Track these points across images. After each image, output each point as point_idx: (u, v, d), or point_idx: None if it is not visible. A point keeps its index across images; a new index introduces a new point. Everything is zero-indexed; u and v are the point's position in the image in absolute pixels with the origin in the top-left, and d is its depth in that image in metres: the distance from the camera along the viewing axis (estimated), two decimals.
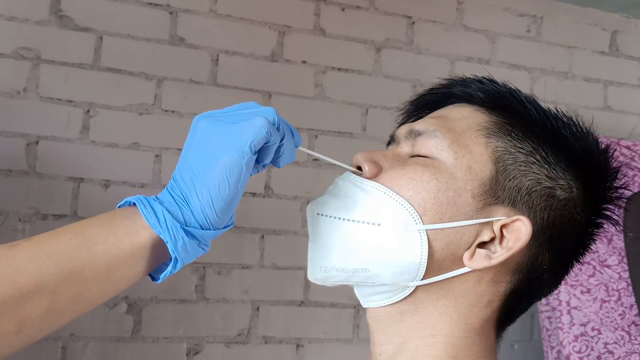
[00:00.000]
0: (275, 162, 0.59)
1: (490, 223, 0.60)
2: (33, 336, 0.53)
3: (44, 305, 0.52)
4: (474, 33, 2.08)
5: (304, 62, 1.89)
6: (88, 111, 1.68)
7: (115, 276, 0.54)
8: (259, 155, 0.56)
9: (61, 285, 0.52)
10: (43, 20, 1.66)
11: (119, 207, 0.58)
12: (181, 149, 0.56)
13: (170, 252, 0.55)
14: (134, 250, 0.54)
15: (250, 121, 0.55)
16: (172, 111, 1.75)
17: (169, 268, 0.56)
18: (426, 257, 0.59)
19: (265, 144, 0.55)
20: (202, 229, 0.55)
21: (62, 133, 1.66)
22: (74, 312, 0.54)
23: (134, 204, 0.56)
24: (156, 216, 0.54)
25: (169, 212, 0.55)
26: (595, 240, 0.66)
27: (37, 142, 1.64)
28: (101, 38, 1.70)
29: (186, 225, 0.55)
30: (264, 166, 0.59)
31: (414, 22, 2.01)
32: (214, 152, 0.54)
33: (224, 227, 0.57)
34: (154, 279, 0.59)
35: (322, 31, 1.91)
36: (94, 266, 0.53)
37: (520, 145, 0.62)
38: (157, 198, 0.56)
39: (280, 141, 0.57)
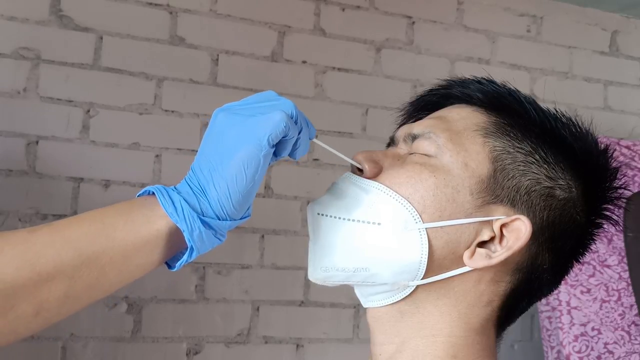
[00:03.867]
0: (291, 154, 0.59)
1: (490, 222, 0.61)
2: (50, 319, 0.54)
3: (61, 290, 0.53)
4: (474, 33, 2.08)
5: (304, 62, 1.89)
6: (88, 111, 1.68)
7: (132, 263, 0.55)
8: (277, 148, 0.57)
9: (79, 270, 0.53)
10: (43, 20, 1.66)
11: (138, 196, 0.58)
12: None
13: (187, 241, 0.55)
14: (151, 238, 0.55)
15: (270, 114, 0.55)
16: (172, 111, 1.75)
17: (185, 257, 0.57)
18: (426, 256, 0.59)
19: (283, 137, 0.56)
20: (219, 219, 0.56)
21: (62, 133, 1.66)
22: (91, 297, 0.55)
23: (153, 193, 0.57)
24: (174, 205, 0.55)
25: (186, 201, 0.55)
26: (595, 240, 0.66)
27: (37, 142, 1.64)
28: (101, 38, 1.70)
29: (203, 215, 0.55)
30: (277, 157, 0.59)
31: (414, 22, 2.01)
32: (232, 144, 0.55)
33: (240, 218, 0.58)
34: (170, 267, 0.60)
35: (322, 31, 1.91)
36: (112, 253, 0.54)
37: (519, 145, 0.62)
38: (175, 188, 0.57)
39: (298, 134, 0.58)
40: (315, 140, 0.62)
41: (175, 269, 0.59)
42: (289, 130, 0.55)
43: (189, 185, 0.57)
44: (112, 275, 0.55)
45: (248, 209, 0.58)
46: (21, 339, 0.54)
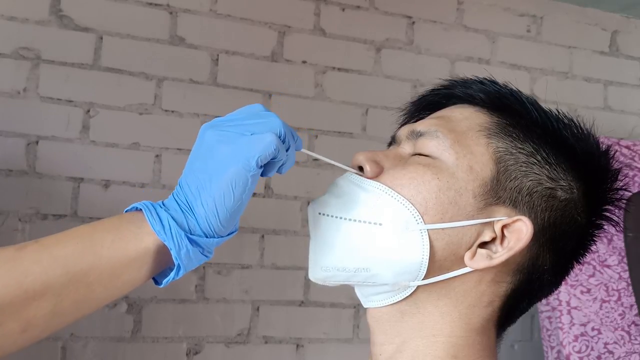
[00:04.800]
0: (279, 170, 0.59)
1: (491, 223, 0.61)
2: (37, 336, 0.54)
3: (49, 307, 0.53)
4: (474, 33, 2.08)
5: (304, 62, 1.89)
6: (88, 111, 1.68)
7: (120, 280, 0.56)
8: (264, 168, 0.57)
9: (66, 288, 0.53)
10: (43, 20, 1.66)
11: (125, 212, 0.58)
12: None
13: (174, 260, 0.56)
14: (138, 255, 0.55)
15: (260, 136, 0.55)
16: (172, 111, 1.75)
17: (172, 274, 0.57)
18: (427, 257, 0.59)
19: (272, 159, 0.56)
20: (206, 237, 0.56)
21: (62, 133, 1.66)
22: (78, 313, 0.55)
23: (141, 209, 0.57)
24: (161, 223, 0.55)
25: (174, 219, 0.55)
26: (596, 241, 0.66)
27: (37, 142, 1.64)
28: (101, 38, 1.70)
29: (190, 234, 0.56)
30: (264, 176, 0.59)
31: (414, 22, 2.01)
32: (221, 163, 0.55)
33: (227, 235, 0.58)
34: (157, 282, 0.60)
35: (322, 31, 1.91)
36: (99, 270, 0.54)
37: (521, 146, 0.62)
38: (163, 204, 0.57)
39: (286, 152, 0.58)
40: (303, 150, 0.62)
41: (162, 285, 0.59)
42: (278, 153, 0.56)
43: (176, 201, 0.57)
44: (99, 291, 0.55)
45: (235, 225, 0.58)
46: (7, 355, 0.53)
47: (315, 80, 1.89)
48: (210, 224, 0.56)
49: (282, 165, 0.59)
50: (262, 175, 0.58)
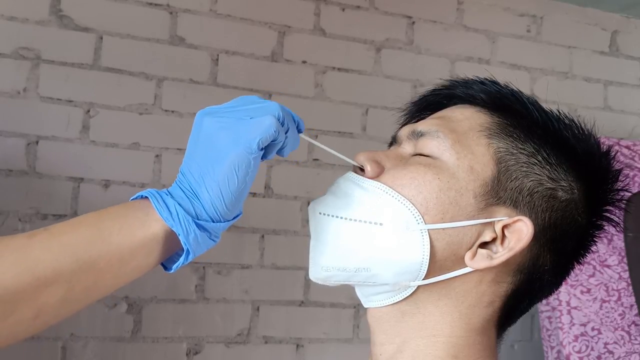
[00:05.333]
0: (279, 152, 0.60)
1: (491, 223, 0.61)
2: (49, 322, 0.55)
3: (60, 294, 0.54)
4: (474, 33, 2.08)
5: (304, 62, 1.88)
6: (88, 111, 1.68)
7: (129, 266, 0.56)
8: (265, 150, 0.58)
9: (77, 275, 0.54)
10: (43, 20, 1.66)
11: (131, 200, 0.59)
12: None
13: (183, 245, 0.56)
14: (146, 242, 0.56)
15: (259, 119, 0.56)
16: (172, 111, 1.75)
17: (181, 259, 0.58)
18: (428, 257, 0.59)
19: (272, 141, 0.57)
20: (213, 221, 0.57)
21: (62, 133, 1.66)
22: (88, 299, 0.57)
23: (147, 197, 0.57)
24: (168, 210, 0.56)
25: (180, 205, 0.56)
26: (596, 241, 0.66)
27: (37, 142, 1.64)
28: (101, 38, 1.70)
29: (197, 219, 0.56)
30: (264, 158, 0.60)
31: (414, 22, 2.01)
32: (223, 148, 0.56)
33: (233, 218, 0.59)
34: (166, 268, 0.61)
35: (322, 31, 1.91)
36: (108, 257, 0.55)
37: (522, 147, 0.62)
38: (168, 192, 0.58)
39: (285, 134, 0.58)
40: (302, 135, 0.63)
41: (172, 270, 0.60)
42: (278, 135, 0.57)
43: (180, 188, 0.58)
44: (108, 278, 0.56)
45: (240, 208, 0.59)
46: (19, 340, 0.54)
47: (315, 80, 1.89)
48: (216, 209, 0.56)
49: (282, 149, 0.60)
50: (262, 158, 0.58)
